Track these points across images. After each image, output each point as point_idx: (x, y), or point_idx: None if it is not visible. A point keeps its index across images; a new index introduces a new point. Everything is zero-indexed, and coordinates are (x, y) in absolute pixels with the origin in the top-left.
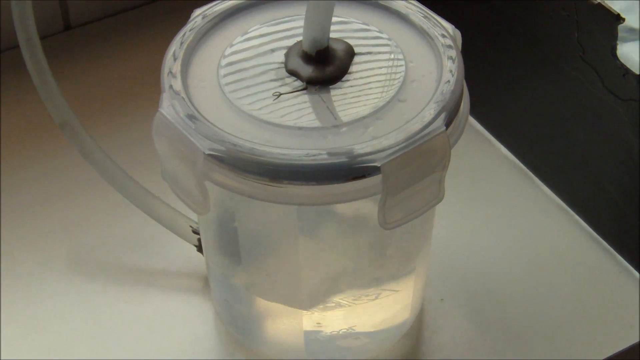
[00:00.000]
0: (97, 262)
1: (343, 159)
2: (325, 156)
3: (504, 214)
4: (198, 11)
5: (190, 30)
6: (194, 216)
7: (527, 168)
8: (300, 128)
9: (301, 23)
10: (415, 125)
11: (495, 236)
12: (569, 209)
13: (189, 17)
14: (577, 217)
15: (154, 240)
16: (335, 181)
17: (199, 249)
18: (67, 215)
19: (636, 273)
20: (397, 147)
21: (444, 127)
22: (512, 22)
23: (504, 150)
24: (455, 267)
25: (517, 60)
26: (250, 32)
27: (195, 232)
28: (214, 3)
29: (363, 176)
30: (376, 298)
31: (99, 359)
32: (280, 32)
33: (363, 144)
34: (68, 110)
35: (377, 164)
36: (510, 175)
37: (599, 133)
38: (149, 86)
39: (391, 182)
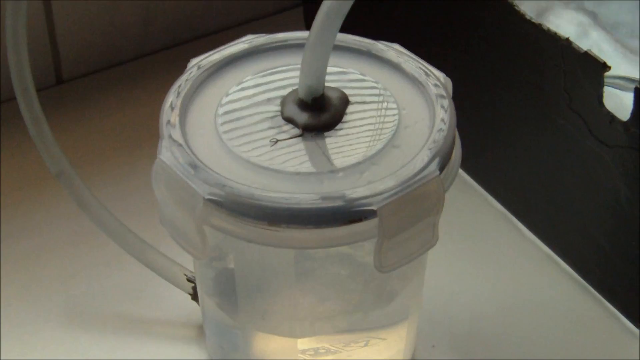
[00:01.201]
0: (93, 312)
1: (340, 203)
2: (323, 200)
3: (492, 263)
4: (194, 61)
5: (186, 81)
6: (188, 265)
7: (515, 217)
8: (297, 173)
9: (294, 73)
10: (410, 170)
11: (484, 284)
12: (557, 257)
13: (181, 69)
14: (565, 265)
15: (148, 290)
16: (332, 225)
17: (194, 297)
18: (63, 265)
19: (624, 319)
20: (393, 191)
21: (438, 172)
22: (500, 73)
23: (491, 199)
24: (446, 314)
25: (505, 110)
26: (245, 81)
27: (190, 280)
28: (209, 53)
29: (360, 219)
30: (365, 345)
31: None
32: (275, 82)
33: (359, 188)
34: (64, 160)
35: (374, 208)
36: (497, 224)
37: (586, 181)
38: (143, 138)
39: (387, 225)
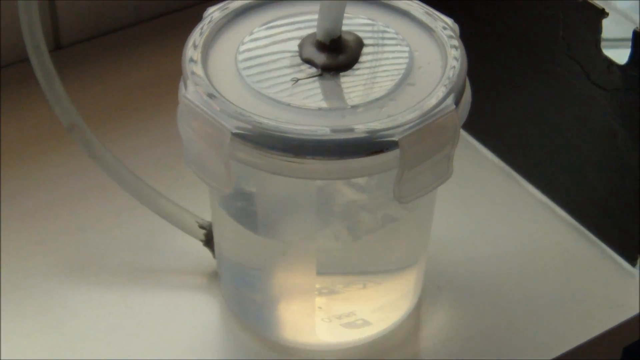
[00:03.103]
0: (104, 262)
1: (363, 135)
2: (347, 132)
3: (490, 212)
4: (210, 10)
5: (208, 23)
6: (199, 213)
7: (511, 167)
8: (319, 109)
9: (307, 19)
10: (427, 105)
11: (483, 232)
12: (553, 204)
13: (177, 35)
14: (561, 210)
15: (159, 240)
16: (355, 155)
17: (206, 243)
18: (72, 218)
19: (621, 259)
20: (413, 124)
21: (454, 106)
22: (497, 24)
23: (486, 151)
24: (449, 259)
25: (503, 61)
26: (261, 28)
27: (202, 227)
28: (225, 3)
29: (381, 151)
30: (364, 287)
31: (107, 358)
32: (290, 29)
33: (381, 121)
34: (75, 113)
35: (395, 139)
36: (494, 175)
37: (583, 125)
38: (143, 101)
39: (407, 155)
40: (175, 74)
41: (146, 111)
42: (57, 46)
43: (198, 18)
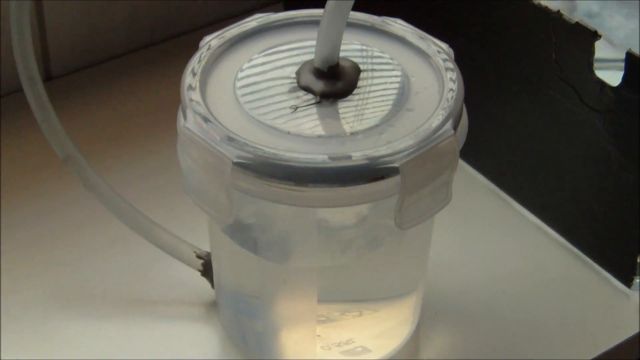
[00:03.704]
0: (100, 294)
1: (364, 162)
2: (347, 159)
3: (484, 236)
4: (207, 39)
5: (207, 50)
6: (196, 242)
7: (504, 191)
8: (319, 136)
9: (304, 48)
10: (426, 130)
11: (478, 256)
12: (546, 227)
13: (166, 65)
14: (554, 233)
15: (155, 271)
16: (356, 183)
17: (204, 273)
18: (69, 250)
19: (615, 281)
20: (412, 149)
21: (453, 131)
22: (492, 48)
23: (478, 175)
24: (446, 285)
25: (496, 85)
26: (257, 56)
27: (199, 257)
28: (221, 32)
29: (382, 177)
30: (360, 315)
31: None
32: (286, 56)
33: (381, 148)
34: (71, 144)
35: (396, 165)
36: (487, 200)
37: (577, 147)
38: (131, 131)
39: (408, 181)
40: (167, 102)
41: (139, 141)
42: (47, 77)
43: (188, 47)
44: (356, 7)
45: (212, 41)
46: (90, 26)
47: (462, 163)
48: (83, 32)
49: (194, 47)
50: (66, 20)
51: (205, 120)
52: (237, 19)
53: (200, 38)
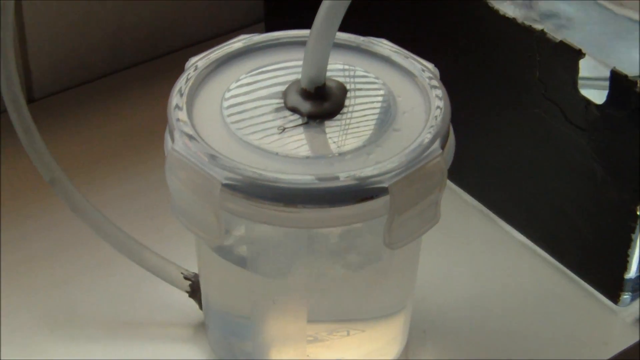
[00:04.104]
0: (87, 316)
1: (353, 182)
2: (336, 180)
3: (471, 255)
4: (193, 60)
5: (194, 71)
6: (183, 264)
7: (490, 210)
8: (307, 157)
9: (290, 68)
10: (414, 150)
11: (465, 275)
12: (532, 245)
13: (149, 85)
14: (540, 250)
15: (143, 292)
16: (346, 203)
17: (191, 294)
18: (56, 271)
19: (601, 297)
20: (401, 169)
21: (441, 150)
22: (477, 68)
23: (463, 193)
24: (434, 303)
25: (481, 104)
26: (244, 77)
27: (187, 278)
28: (206, 53)
29: (371, 197)
30: (347, 335)
31: None
32: (273, 77)
33: (369, 168)
34: (56, 166)
35: (385, 185)
36: (473, 219)
37: (562, 165)
38: (116, 152)
39: (397, 201)
40: (152, 123)
41: (125, 162)
42: (30, 99)
43: (171, 68)
44: (341, 28)
45: (198, 62)
46: (73, 48)
47: (447, 182)
48: (65, 53)
49: (177, 68)
50: (48, 42)
51: (192, 140)
52: (219, 39)
53: (182, 59)
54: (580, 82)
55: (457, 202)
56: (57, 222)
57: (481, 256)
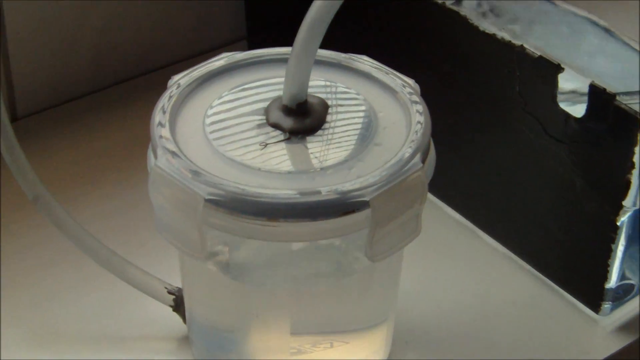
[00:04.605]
0: (71, 332)
1: (334, 196)
2: (317, 194)
3: (452, 267)
4: (175, 78)
5: (177, 88)
6: (167, 278)
7: (471, 222)
8: (289, 172)
9: (272, 85)
10: (395, 164)
11: (447, 287)
12: (514, 256)
13: (132, 103)
14: (522, 262)
15: (126, 308)
16: (328, 217)
17: (175, 308)
18: (37, 288)
19: (583, 307)
20: (382, 183)
21: (421, 164)
22: (456, 82)
23: (444, 206)
24: (416, 315)
25: (460, 118)
26: (226, 94)
27: (171, 292)
28: (189, 70)
29: (353, 211)
30: (330, 347)
31: None
32: (255, 94)
33: (350, 182)
34: (39, 184)
35: (366, 199)
36: (455, 231)
37: (542, 178)
38: (99, 171)
39: (379, 215)
40: (135, 140)
41: (108, 179)
42: (13, 118)
43: (153, 86)
44: (323, 45)
45: (180, 80)
46: (56, 66)
47: (429, 195)
48: (48, 72)
49: (159, 86)
50: (31, 61)
51: (175, 156)
52: (202, 57)
53: (165, 77)
54: (561, 96)
55: (438, 215)
56: (41, 239)
57: (463, 268)
